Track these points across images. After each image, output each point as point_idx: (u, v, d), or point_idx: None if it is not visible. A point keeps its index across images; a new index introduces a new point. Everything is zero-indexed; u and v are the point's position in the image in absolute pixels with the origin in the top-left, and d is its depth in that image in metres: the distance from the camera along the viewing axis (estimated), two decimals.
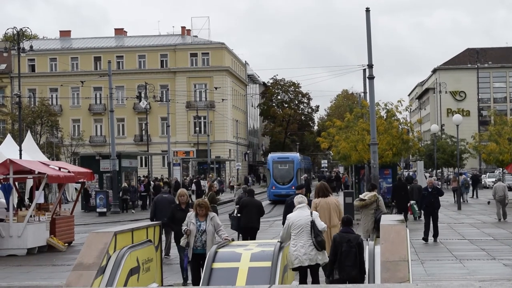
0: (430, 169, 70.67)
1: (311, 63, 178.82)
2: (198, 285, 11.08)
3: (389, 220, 11.21)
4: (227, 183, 71.48)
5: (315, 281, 12.33)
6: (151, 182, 45.23)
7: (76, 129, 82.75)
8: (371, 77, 29.57)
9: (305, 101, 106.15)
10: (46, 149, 55.98)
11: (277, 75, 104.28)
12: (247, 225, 18.41)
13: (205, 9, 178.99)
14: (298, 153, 62.40)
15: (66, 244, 23.38)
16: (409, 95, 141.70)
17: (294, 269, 12.11)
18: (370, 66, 29.48)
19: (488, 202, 39.04)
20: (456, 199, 40.39)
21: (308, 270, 12.29)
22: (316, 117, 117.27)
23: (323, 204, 14.39)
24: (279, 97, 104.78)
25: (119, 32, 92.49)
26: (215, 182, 48.36)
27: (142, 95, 59.66)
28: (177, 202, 16.31)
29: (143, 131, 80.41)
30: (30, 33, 42.29)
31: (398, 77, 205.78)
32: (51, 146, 62.77)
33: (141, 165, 67.31)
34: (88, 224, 33.04)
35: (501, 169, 54.07)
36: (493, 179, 57.77)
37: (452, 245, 21.54)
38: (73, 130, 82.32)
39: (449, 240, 22.78)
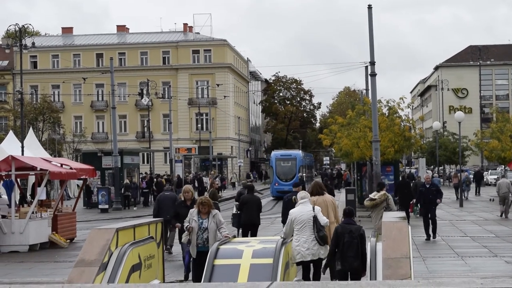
0: (432, 166, 70.64)
1: (313, 60, 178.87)
2: (200, 282, 11.08)
3: (391, 217, 11.22)
4: (229, 180, 71.53)
5: (318, 275, 12.44)
6: (154, 179, 45.21)
7: (78, 126, 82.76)
8: (373, 74, 29.53)
9: (307, 98, 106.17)
10: (48, 146, 56.00)
11: (279, 72, 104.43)
12: (248, 222, 18.40)
13: (207, 5, 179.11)
14: (300, 151, 62.80)
15: (68, 241, 23.41)
16: (411, 92, 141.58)
17: (297, 264, 12.22)
18: (372, 63, 29.44)
19: (492, 200, 39.00)
20: (458, 196, 40.35)
21: (311, 264, 12.39)
22: (318, 114, 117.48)
23: (320, 202, 14.43)
24: (281, 94, 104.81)
25: (121, 28, 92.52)
26: (217, 179, 48.44)
27: (144, 92, 59.63)
28: (182, 199, 16.27)
29: (145, 128, 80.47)
30: (32, 30, 42.35)
31: (400, 74, 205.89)
32: (53, 142, 62.81)
33: (143, 162, 67.29)
34: (90, 220, 33.07)
35: (503, 166, 54.04)
36: (495, 176, 57.74)
37: (454, 242, 21.55)
38: (75, 126, 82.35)
39: (451, 237, 22.78)
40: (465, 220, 29.08)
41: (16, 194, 25.98)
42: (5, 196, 23.42)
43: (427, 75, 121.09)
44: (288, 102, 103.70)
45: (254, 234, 18.18)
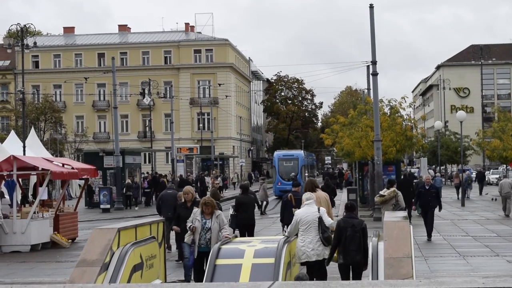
0: (433, 166, 70.59)
1: (314, 60, 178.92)
2: (201, 282, 11.08)
3: (392, 216, 11.21)
4: (230, 179, 71.57)
5: (322, 275, 12.50)
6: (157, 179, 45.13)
7: (80, 126, 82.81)
8: (375, 74, 29.52)
9: (309, 97, 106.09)
10: (50, 146, 56.06)
11: (280, 71, 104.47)
12: (244, 222, 18.40)
13: (209, 5, 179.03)
14: (302, 151, 63.21)
15: (70, 241, 23.41)
16: (412, 91, 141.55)
17: (301, 264, 12.33)
18: (374, 62, 29.44)
19: (495, 199, 38.95)
20: (459, 195, 40.30)
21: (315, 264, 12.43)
22: (320, 113, 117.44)
23: (315, 199, 14.47)
24: (282, 93, 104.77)
25: (123, 28, 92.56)
26: (218, 179, 48.41)
27: (146, 91, 59.68)
28: (182, 200, 16.29)
29: (147, 128, 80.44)
30: (34, 30, 42.37)
31: (401, 73, 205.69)
32: (54, 142, 62.86)
33: (145, 162, 67.29)
34: (92, 220, 33.07)
35: (505, 165, 53.99)
36: (497, 176, 57.70)
37: (455, 241, 21.53)
38: (77, 126, 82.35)
39: (452, 237, 22.76)
40: (467, 219, 29.06)
41: (18, 194, 26.01)
42: (7, 196, 23.44)
43: (429, 75, 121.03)
44: (290, 101, 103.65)
45: (251, 234, 18.17)
